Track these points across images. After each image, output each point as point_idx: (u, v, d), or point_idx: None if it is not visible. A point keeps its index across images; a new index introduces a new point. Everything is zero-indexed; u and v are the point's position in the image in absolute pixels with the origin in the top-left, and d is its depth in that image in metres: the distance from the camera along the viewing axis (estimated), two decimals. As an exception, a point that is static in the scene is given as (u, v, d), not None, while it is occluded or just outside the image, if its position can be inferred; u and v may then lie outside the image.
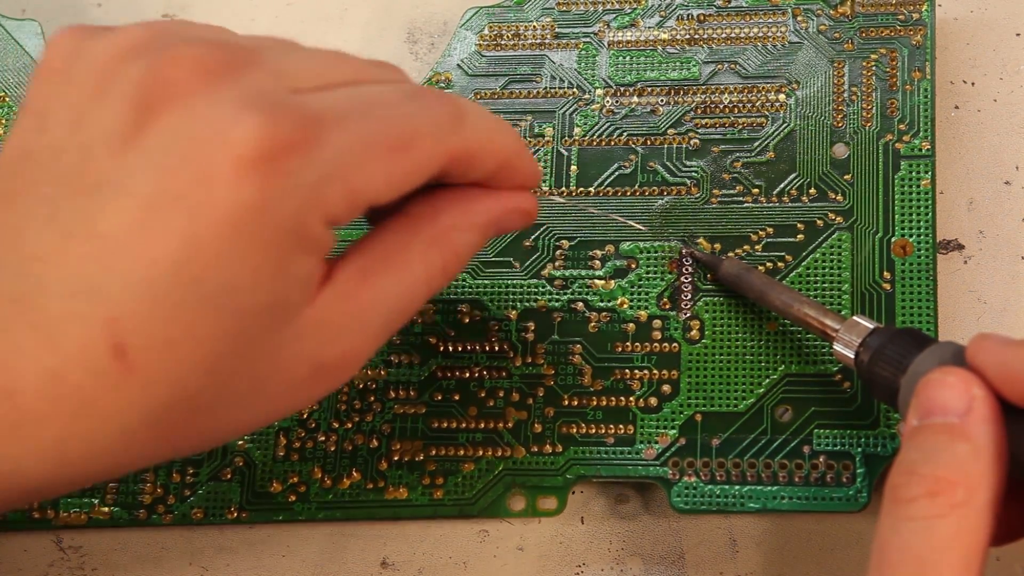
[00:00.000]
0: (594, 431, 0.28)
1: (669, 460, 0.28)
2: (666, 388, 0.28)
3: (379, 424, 0.29)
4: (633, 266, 0.30)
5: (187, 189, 0.17)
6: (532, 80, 0.32)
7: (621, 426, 0.28)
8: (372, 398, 0.29)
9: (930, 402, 0.21)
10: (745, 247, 0.29)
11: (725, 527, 0.28)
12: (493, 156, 0.22)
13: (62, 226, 0.18)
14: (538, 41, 0.32)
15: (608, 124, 0.31)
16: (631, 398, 0.28)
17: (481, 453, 0.28)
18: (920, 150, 0.29)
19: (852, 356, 0.25)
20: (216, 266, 0.17)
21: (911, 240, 0.28)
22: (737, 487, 0.27)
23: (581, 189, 0.31)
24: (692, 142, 0.31)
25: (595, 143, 0.31)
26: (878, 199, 0.29)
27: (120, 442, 0.18)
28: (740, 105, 0.31)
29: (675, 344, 0.29)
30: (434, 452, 0.29)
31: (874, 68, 0.30)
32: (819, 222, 0.29)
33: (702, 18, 0.32)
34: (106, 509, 0.29)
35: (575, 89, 0.32)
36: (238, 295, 0.18)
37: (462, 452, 0.29)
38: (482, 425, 0.29)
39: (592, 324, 0.29)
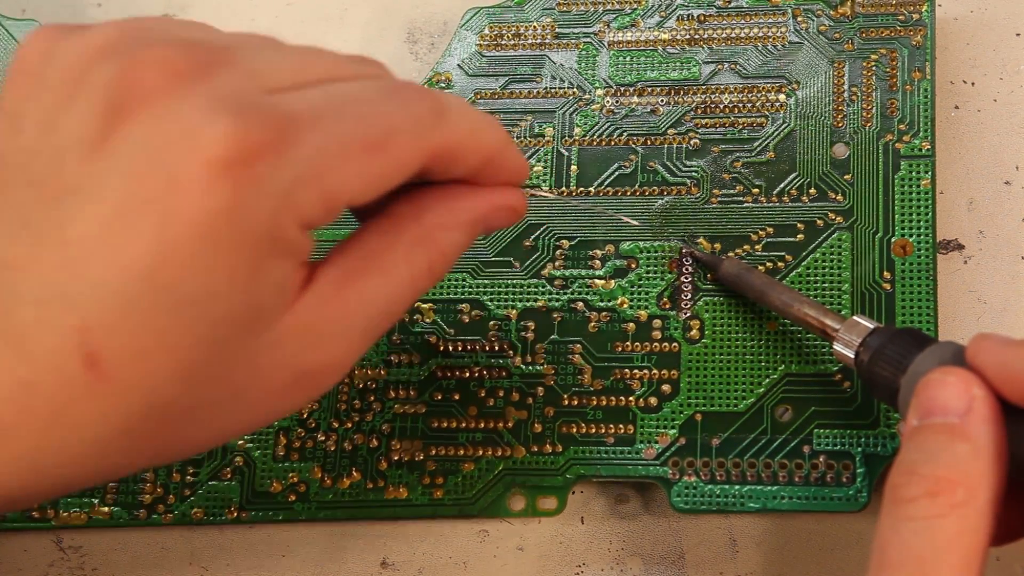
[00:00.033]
0: (594, 431, 0.28)
1: (669, 460, 0.28)
2: (666, 388, 0.28)
3: (379, 424, 0.29)
4: (633, 266, 0.30)
5: (157, 194, 0.17)
6: (532, 80, 0.32)
7: (621, 426, 0.28)
8: (372, 398, 0.29)
9: (930, 402, 0.21)
10: (745, 247, 0.29)
11: (725, 527, 0.28)
12: (477, 152, 0.21)
13: (34, 232, 0.17)
14: (538, 41, 0.32)
15: (608, 124, 0.31)
16: (631, 398, 0.28)
17: (481, 453, 0.28)
18: (920, 150, 0.29)
19: (852, 356, 0.25)
20: (188, 273, 0.17)
21: (911, 240, 0.28)
22: (737, 487, 0.27)
23: (581, 189, 0.31)
24: (692, 142, 0.31)
25: (595, 143, 0.31)
26: (878, 199, 0.29)
27: (95, 451, 0.18)
28: (740, 105, 0.31)
29: (675, 344, 0.29)
30: (434, 452, 0.29)
31: (874, 68, 0.30)
32: (819, 222, 0.29)
33: (702, 18, 0.32)
34: (106, 509, 0.29)
35: (575, 89, 0.32)
36: (211, 302, 0.17)
37: (462, 452, 0.29)
38: (482, 425, 0.29)
39: (592, 324, 0.29)
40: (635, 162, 0.31)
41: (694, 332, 0.29)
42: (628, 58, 0.32)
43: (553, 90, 0.32)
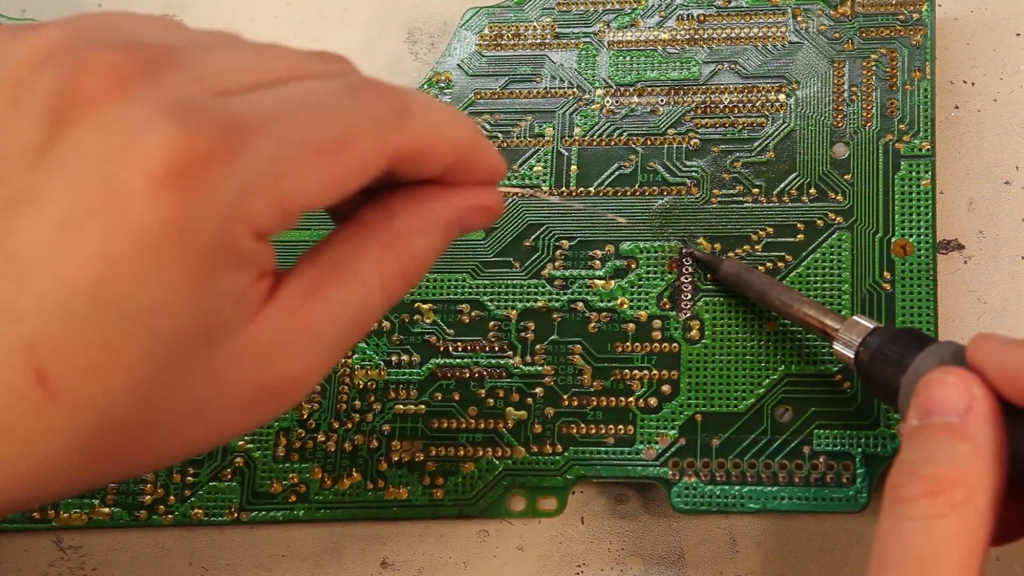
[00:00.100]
0: (594, 431, 0.28)
1: (669, 460, 0.28)
2: (666, 388, 0.28)
3: (379, 424, 0.29)
4: (633, 266, 0.30)
5: (100, 206, 0.16)
6: (532, 80, 0.32)
7: (621, 426, 0.28)
8: (372, 398, 0.29)
9: (930, 402, 0.21)
10: (745, 247, 0.29)
11: (725, 527, 0.28)
12: (446, 151, 0.20)
13: None
14: (538, 41, 0.32)
15: (608, 124, 0.31)
16: (631, 398, 0.28)
17: (481, 453, 0.28)
18: (920, 150, 0.29)
19: (852, 356, 0.25)
20: (135, 286, 0.16)
21: (911, 240, 0.28)
22: (737, 487, 0.27)
23: (581, 189, 0.31)
24: (692, 142, 0.31)
25: (595, 143, 0.31)
26: (878, 199, 0.29)
27: (46, 469, 0.17)
28: (740, 105, 0.31)
29: (675, 344, 0.29)
30: (434, 452, 0.29)
31: (874, 68, 0.30)
32: (819, 222, 0.29)
33: (702, 18, 0.32)
34: (106, 509, 0.29)
35: (575, 89, 0.32)
36: (161, 316, 0.17)
37: (462, 452, 0.29)
38: (482, 425, 0.29)
39: (592, 324, 0.29)
40: (635, 162, 0.31)
41: (694, 332, 0.29)
42: (628, 58, 0.32)
43: (553, 90, 0.32)
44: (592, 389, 0.29)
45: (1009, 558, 0.27)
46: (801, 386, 0.28)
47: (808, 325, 0.26)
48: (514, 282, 0.30)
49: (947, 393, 0.21)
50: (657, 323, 0.29)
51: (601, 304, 0.29)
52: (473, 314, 0.30)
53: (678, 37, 0.32)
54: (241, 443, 0.29)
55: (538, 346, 0.29)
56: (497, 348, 0.29)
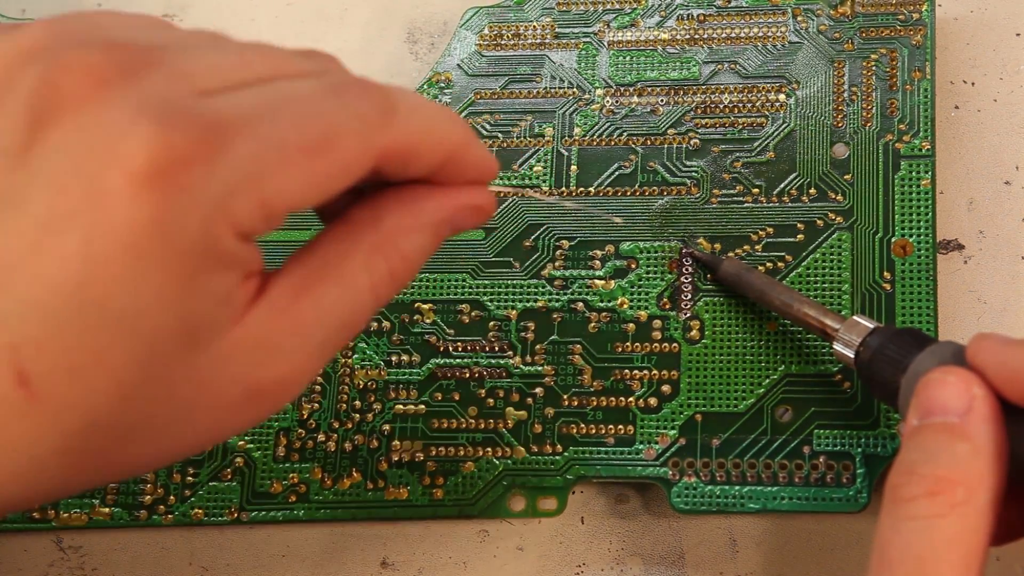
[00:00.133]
0: (594, 431, 0.28)
1: (669, 460, 0.28)
2: (666, 388, 0.28)
3: (379, 424, 0.29)
4: (633, 266, 0.30)
5: (80, 207, 0.16)
6: (532, 80, 0.32)
7: (621, 426, 0.28)
8: (372, 398, 0.29)
9: (930, 401, 0.21)
10: (745, 247, 0.29)
11: (725, 527, 0.28)
12: (434, 150, 0.20)
13: None
14: (538, 41, 0.32)
15: (608, 124, 0.31)
16: (631, 398, 0.28)
17: (481, 453, 0.28)
18: (920, 150, 0.29)
19: (852, 356, 0.25)
20: (117, 288, 0.16)
21: (911, 240, 0.28)
22: (737, 487, 0.27)
23: (581, 189, 0.31)
24: (692, 142, 0.31)
25: (595, 143, 0.31)
26: (878, 199, 0.29)
27: (31, 472, 0.17)
28: (740, 105, 0.31)
29: (675, 344, 0.29)
30: (434, 452, 0.29)
31: (874, 68, 0.30)
32: (819, 222, 0.29)
33: (702, 18, 0.32)
34: (106, 509, 0.29)
35: (575, 89, 0.32)
36: (144, 317, 0.17)
37: (462, 452, 0.29)
38: (482, 425, 0.29)
39: (592, 324, 0.29)
40: (635, 162, 0.31)
41: (694, 332, 0.29)
42: (628, 58, 0.32)
43: (553, 90, 0.32)
44: (592, 389, 0.29)
45: (1009, 558, 0.27)
46: (801, 386, 0.28)
47: (808, 325, 0.26)
48: (514, 282, 0.30)
49: (947, 393, 0.21)
50: (657, 323, 0.29)
51: (601, 304, 0.29)
52: (473, 314, 0.30)
53: (678, 37, 0.32)
54: (241, 443, 0.29)
55: (538, 346, 0.29)
56: (497, 348, 0.29)
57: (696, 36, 0.32)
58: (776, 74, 0.31)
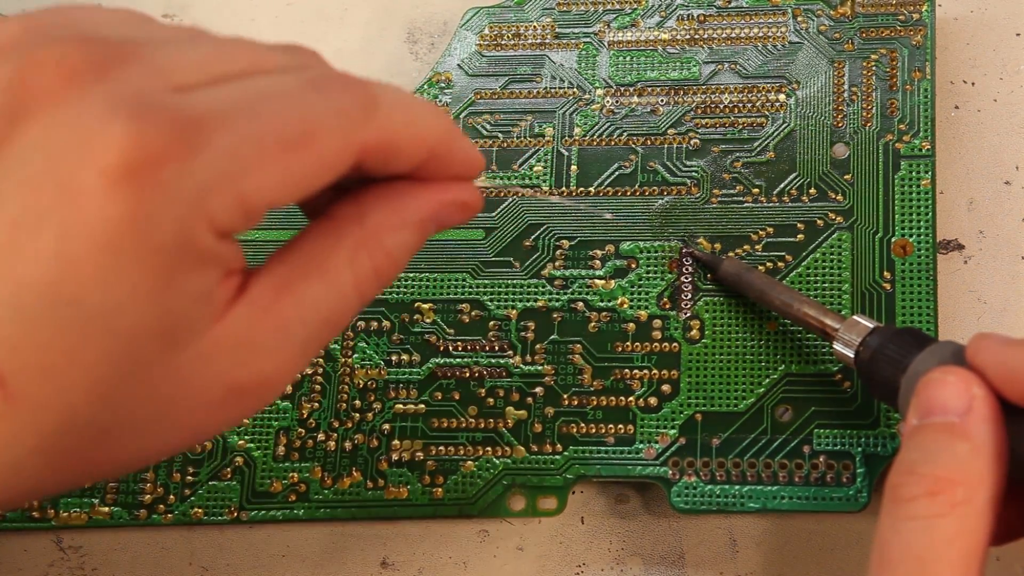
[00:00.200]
0: (594, 431, 0.28)
1: (669, 460, 0.28)
2: (666, 388, 0.28)
3: (379, 424, 0.29)
4: (633, 266, 0.30)
5: (54, 205, 0.16)
6: (532, 80, 0.32)
7: (621, 426, 0.28)
8: (372, 398, 0.29)
9: (930, 401, 0.21)
10: (745, 247, 0.29)
11: (725, 527, 0.28)
12: (417, 146, 0.20)
13: None
14: (538, 41, 0.32)
15: (608, 124, 0.31)
16: (631, 398, 0.28)
17: (481, 453, 0.28)
18: (920, 150, 0.29)
19: (852, 355, 0.25)
20: (93, 286, 0.16)
21: (911, 240, 0.28)
22: (737, 487, 0.27)
23: (581, 189, 0.31)
24: (692, 142, 0.31)
25: (595, 143, 0.31)
26: (878, 199, 0.29)
27: (8, 472, 0.17)
28: (740, 105, 0.31)
29: (675, 344, 0.29)
30: (434, 452, 0.29)
31: (874, 68, 0.30)
32: (819, 222, 0.29)
33: (702, 18, 0.32)
34: (106, 509, 0.29)
35: (575, 89, 0.32)
36: (120, 316, 0.16)
37: (462, 452, 0.29)
38: (482, 425, 0.29)
39: (592, 324, 0.29)
40: (635, 162, 0.31)
41: (694, 332, 0.29)
42: (628, 58, 0.32)
43: (553, 90, 0.32)
44: (592, 389, 0.29)
45: (1009, 558, 0.27)
46: (801, 386, 0.28)
47: (808, 325, 0.26)
48: (514, 282, 0.30)
49: (947, 393, 0.21)
50: (657, 323, 0.29)
51: (601, 304, 0.29)
52: (473, 314, 0.30)
53: (678, 37, 0.32)
54: (241, 442, 0.29)
55: (538, 346, 0.29)
56: (497, 348, 0.29)
57: (696, 36, 0.32)
58: (776, 74, 0.31)
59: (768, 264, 0.29)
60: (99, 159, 0.16)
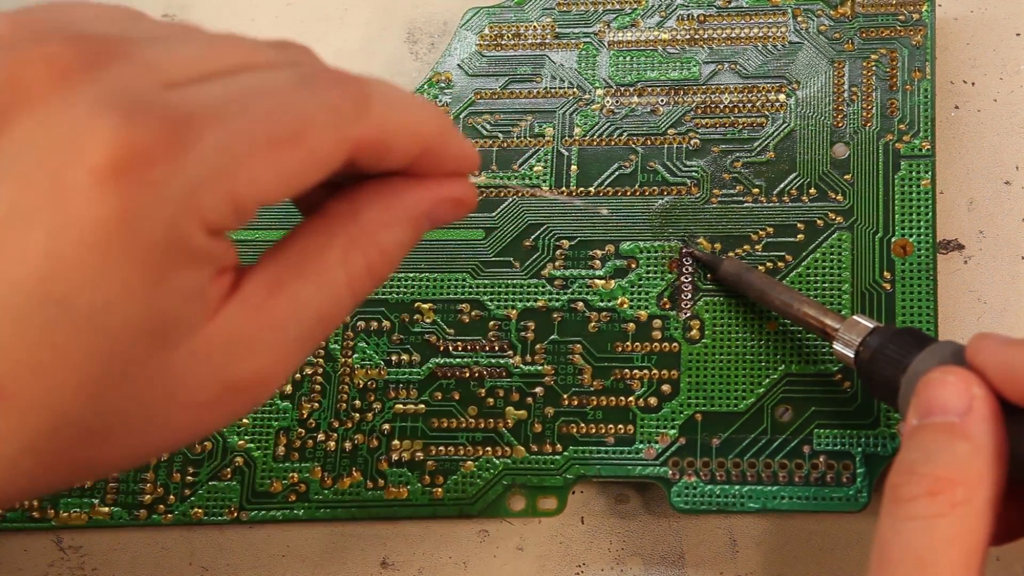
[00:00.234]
0: (594, 431, 0.28)
1: (669, 460, 0.28)
2: (666, 388, 0.28)
3: (379, 424, 0.29)
4: (633, 266, 0.30)
5: (43, 203, 0.16)
6: (532, 80, 0.32)
7: (621, 426, 0.28)
8: (372, 398, 0.29)
9: (930, 401, 0.21)
10: (745, 247, 0.29)
11: (725, 527, 0.28)
12: (410, 141, 0.20)
13: None
14: (538, 41, 0.32)
15: (608, 124, 0.31)
16: (631, 398, 0.28)
17: (481, 453, 0.28)
18: (920, 150, 0.29)
19: (852, 355, 0.25)
20: (83, 285, 0.16)
21: (911, 240, 0.28)
22: (737, 487, 0.27)
23: (581, 189, 0.31)
24: (692, 142, 0.31)
25: (595, 143, 0.31)
26: (878, 199, 0.29)
27: (0, 472, 0.17)
28: (740, 105, 0.31)
29: (675, 344, 0.29)
30: (434, 452, 0.29)
31: (874, 68, 0.30)
32: (819, 222, 0.29)
33: (702, 18, 0.32)
34: (106, 509, 0.29)
35: (575, 89, 0.32)
36: (110, 314, 0.16)
37: (462, 452, 0.29)
38: (482, 425, 0.29)
39: (592, 324, 0.29)
40: (635, 162, 0.31)
41: (694, 332, 0.29)
42: (628, 58, 0.32)
43: (553, 90, 0.32)
44: (592, 389, 0.29)
45: (1009, 558, 0.27)
46: (801, 386, 0.28)
47: (808, 325, 0.26)
48: (514, 282, 0.30)
49: (947, 393, 0.21)
50: (657, 323, 0.29)
51: (601, 304, 0.29)
52: (473, 314, 0.30)
53: (678, 37, 0.32)
54: (241, 442, 0.29)
55: (538, 346, 0.29)
56: (497, 348, 0.29)
57: (696, 36, 0.32)
58: (776, 74, 0.31)
59: (768, 264, 0.29)
60: (88, 157, 0.16)
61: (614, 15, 0.32)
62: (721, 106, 0.31)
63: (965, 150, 0.30)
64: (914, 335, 0.24)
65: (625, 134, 0.31)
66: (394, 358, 0.30)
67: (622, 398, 0.28)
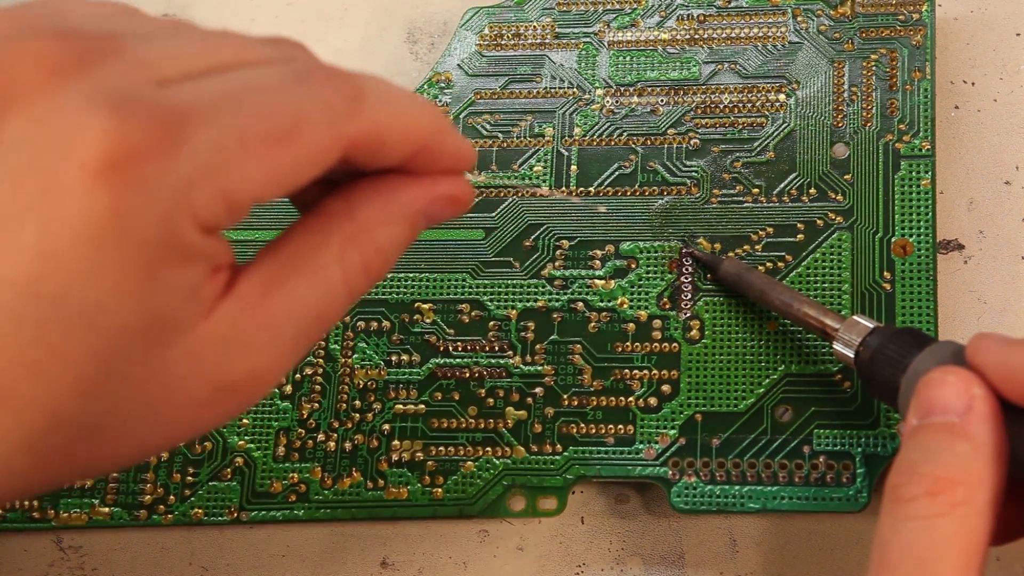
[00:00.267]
0: (594, 431, 0.28)
1: (669, 460, 0.28)
2: (666, 388, 0.28)
3: (379, 424, 0.29)
4: (633, 266, 0.30)
5: (35, 200, 0.16)
6: (532, 80, 0.32)
7: (621, 426, 0.28)
8: (372, 398, 0.29)
9: (930, 401, 0.21)
10: (745, 247, 0.29)
11: (725, 527, 0.28)
12: (406, 138, 0.20)
13: None
14: (538, 41, 0.32)
15: (608, 124, 0.31)
16: (631, 398, 0.28)
17: (481, 453, 0.28)
18: (920, 150, 0.29)
19: (852, 355, 0.25)
20: (76, 283, 0.16)
21: (911, 240, 0.28)
22: (737, 487, 0.27)
23: (581, 189, 0.31)
24: (692, 142, 0.31)
25: (595, 143, 0.31)
26: (878, 199, 0.29)
27: None
28: (740, 105, 0.31)
29: (675, 344, 0.29)
30: (434, 452, 0.29)
31: (874, 68, 0.30)
32: (819, 222, 0.29)
33: (702, 18, 0.32)
34: (106, 509, 0.29)
35: (575, 89, 0.32)
36: (102, 312, 0.16)
37: (462, 452, 0.29)
38: (482, 425, 0.29)
39: (592, 324, 0.29)
40: (635, 162, 0.31)
41: (694, 332, 0.29)
42: (628, 58, 0.32)
43: (553, 90, 0.32)
44: (592, 389, 0.29)
45: (1009, 558, 0.27)
46: (801, 386, 0.28)
47: (808, 325, 0.26)
48: (514, 282, 0.30)
49: (947, 393, 0.21)
50: (657, 323, 0.29)
51: (601, 304, 0.29)
52: (473, 314, 0.30)
53: (678, 37, 0.32)
54: (241, 443, 0.29)
55: (538, 346, 0.29)
56: (497, 348, 0.29)
57: (696, 36, 0.32)
58: (776, 74, 0.31)
59: (768, 264, 0.29)
60: (80, 154, 0.16)
61: (614, 15, 0.32)
62: (721, 106, 0.31)
63: (965, 150, 0.30)
64: (914, 335, 0.24)
65: (625, 134, 0.31)
66: (394, 358, 0.30)
67: (622, 398, 0.28)
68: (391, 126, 0.19)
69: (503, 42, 0.33)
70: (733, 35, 0.31)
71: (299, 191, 0.19)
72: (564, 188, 0.31)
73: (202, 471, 0.29)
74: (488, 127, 0.32)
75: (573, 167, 0.31)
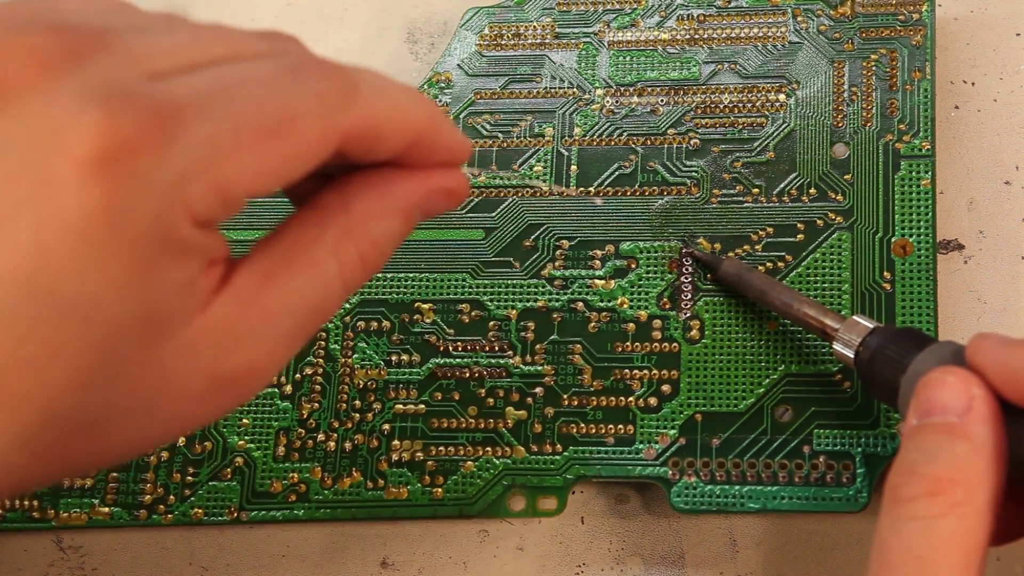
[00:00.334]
0: (594, 431, 0.28)
1: (669, 460, 0.28)
2: (666, 388, 0.28)
3: (379, 424, 0.29)
4: (633, 266, 0.30)
5: (29, 196, 0.16)
6: (532, 80, 0.32)
7: (621, 426, 0.28)
8: (372, 398, 0.29)
9: (930, 401, 0.21)
10: (745, 247, 0.29)
11: (725, 527, 0.28)
12: (400, 131, 0.20)
13: None
14: (538, 41, 0.32)
15: (608, 124, 0.31)
16: (631, 398, 0.28)
17: (481, 453, 0.28)
18: (920, 150, 0.29)
19: (852, 355, 0.25)
20: (69, 277, 0.16)
21: (911, 240, 0.28)
22: (737, 487, 0.27)
23: (581, 189, 0.31)
24: (692, 142, 0.31)
25: (595, 143, 0.31)
26: (878, 199, 0.29)
27: None
28: (740, 105, 0.31)
29: (675, 344, 0.29)
30: (434, 452, 0.29)
31: (874, 68, 0.30)
32: (819, 222, 0.29)
33: (702, 18, 0.32)
34: (106, 509, 0.29)
35: (575, 89, 0.32)
36: (99, 307, 0.16)
37: (462, 452, 0.29)
38: (482, 425, 0.29)
39: (592, 324, 0.29)
40: (635, 162, 0.31)
41: (694, 332, 0.29)
42: (628, 58, 0.32)
43: (553, 90, 0.32)
44: (592, 389, 0.29)
45: (1009, 558, 0.27)
46: (801, 386, 0.28)
47: (808, 325, 0.26)
48: (514, 282, 0.30)
49: (947, 393, 0.21)
50: (657, 323, 0.29)
51: (601, 304, 0.29)
52: (473, 314, 0.30)
53: (678, 37, 0.32)
54: (241, 443, 0.29)
55: (538, 346, 0.29)
56: (497, 348, 0.29)
57: (696, 36, 0.32)
58: (776, 74, 0.31)
59: (768, 264, 0.29)
60: (73, 148, 0.16)
61: (614, 15, 0.32)
62: (721, 106, 0.31)
63: (965, 150, 0.30)
64: (914, 335, 0.24)
65: (625, 134, 0.31)
66: (394, 358, 0.30)
67: (622, 398, 0.28)
68: (385, 119, 0.19)
69: (503, 42, 0.33)
70: (733, 35, 0.31)
71: (294, 184, 0.19)
72: (564, 189, 0.31)
73: (202, 471, 0.29)
74: (488, 127, 0.32)
75: (573, 167, 0.31)
